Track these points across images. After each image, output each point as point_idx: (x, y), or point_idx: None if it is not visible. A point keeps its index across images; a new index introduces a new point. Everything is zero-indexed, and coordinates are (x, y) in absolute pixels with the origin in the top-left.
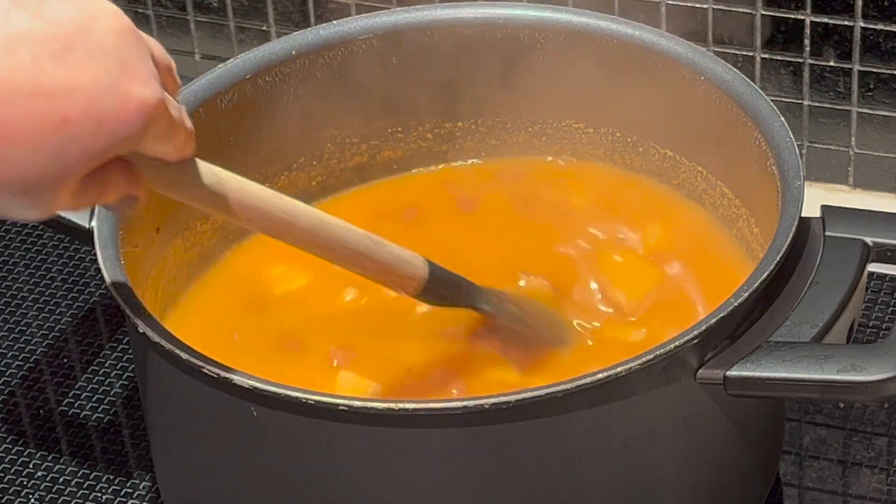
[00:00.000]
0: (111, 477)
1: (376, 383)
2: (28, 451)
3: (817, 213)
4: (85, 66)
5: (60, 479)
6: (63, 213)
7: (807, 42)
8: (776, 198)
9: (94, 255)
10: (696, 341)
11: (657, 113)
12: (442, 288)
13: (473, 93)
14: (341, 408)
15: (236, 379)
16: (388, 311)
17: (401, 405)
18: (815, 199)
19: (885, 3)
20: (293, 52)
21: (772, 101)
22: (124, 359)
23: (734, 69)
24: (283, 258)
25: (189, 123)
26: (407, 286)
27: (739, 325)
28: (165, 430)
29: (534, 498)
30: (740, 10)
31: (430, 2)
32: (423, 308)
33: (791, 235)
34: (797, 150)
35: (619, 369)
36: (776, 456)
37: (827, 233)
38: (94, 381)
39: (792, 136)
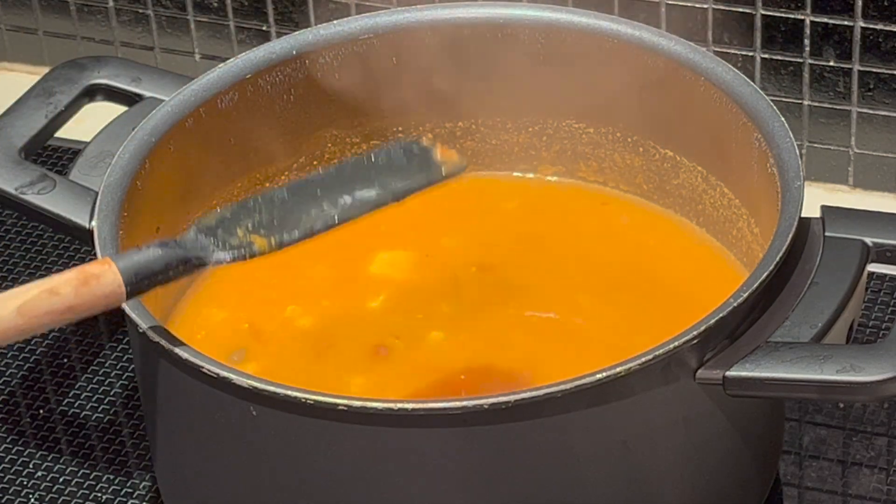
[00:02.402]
0: (111, 477)
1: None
2: (28, 451)
3: (817, 214)
4: None
5: (60, 479)
6: (63, 213)
7: (807, 42)
8: (776, 198)
9: (94, 255)
10: (695, 341)
11: (657, 113)
12: (150, 275)
13: (473, 93)
14: (341, 408)
15: (236, 379)
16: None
17: (400, 405)
18: (815, 199)
19: (885, 3)
20: (293, 52)
21: (772, 101)
22: (124, 359)
23: (734, 69)
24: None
25: None
26: (111, 298)
27: (739, 326)
28: (165, 430)
29: (533, 498)
30: (740, 10)
31: (430, 2)
32: None
33: (791, 236)
34: (797, 151)
35: (618, 369)
36: (776, 456)
37: (827, 233)
38: (94, 381)
39: (792, 136)
